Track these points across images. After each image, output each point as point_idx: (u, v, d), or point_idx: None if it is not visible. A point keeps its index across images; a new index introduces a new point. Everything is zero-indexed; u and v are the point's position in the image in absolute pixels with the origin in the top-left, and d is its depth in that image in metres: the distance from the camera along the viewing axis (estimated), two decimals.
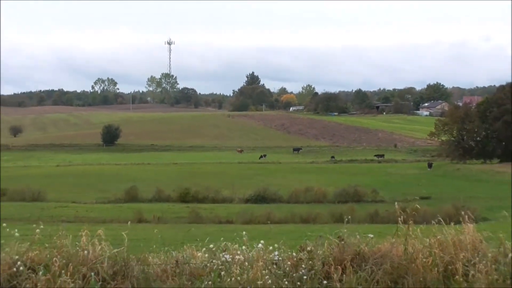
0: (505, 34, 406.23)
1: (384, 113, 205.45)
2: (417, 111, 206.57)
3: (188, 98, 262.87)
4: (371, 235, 7.77)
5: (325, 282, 6.96)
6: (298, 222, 42.65)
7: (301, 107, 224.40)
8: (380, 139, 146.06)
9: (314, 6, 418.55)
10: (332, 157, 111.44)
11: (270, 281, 6.79)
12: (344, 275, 6.94)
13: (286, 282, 6.96)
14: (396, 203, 8.95)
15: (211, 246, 7.71)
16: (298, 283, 6.99)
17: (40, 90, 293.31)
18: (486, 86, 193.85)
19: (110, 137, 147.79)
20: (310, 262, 7.37)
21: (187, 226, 38.37)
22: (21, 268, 6.84)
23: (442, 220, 7.93)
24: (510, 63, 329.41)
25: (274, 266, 7.28)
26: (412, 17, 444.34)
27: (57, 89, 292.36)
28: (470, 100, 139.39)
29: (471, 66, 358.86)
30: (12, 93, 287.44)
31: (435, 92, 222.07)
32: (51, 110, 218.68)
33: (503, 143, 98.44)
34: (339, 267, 7.05)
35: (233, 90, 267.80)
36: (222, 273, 6.92)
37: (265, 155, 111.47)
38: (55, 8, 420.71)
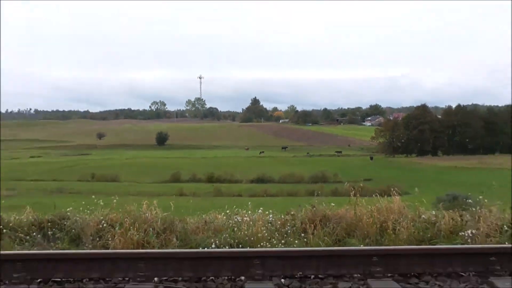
0: (418, 73, 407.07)
1: (342, 124, 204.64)
2: (363, 123, 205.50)
3: (213, 114, 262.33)
4: (333, 204, 7.79)
5: (302, 234, 6.99)
6: (285, 195, 42.73)
7: (287, 120, 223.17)
8: (339, 141, 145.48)
9: (296, 53, 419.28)
10: (308, 153, 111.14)
11: (266, 234, 6.82)
12: (315, 230, 6.96)
13: (277, 235, 6.99)
14: (346, 183, 9.00)
15: (228, 211, 7.74)
16: (285, 235, 7.02)
17: (116, 109, 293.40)
18: (408, 106, 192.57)
19: (161, 140, 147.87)
20: (293, 221, 7.40)
21: (212, 198, 38.46)
22: (104, 225, 6.89)
23: (379, 194, 7.96)
24: (422, 91, 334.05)
25: (269, 224, 7.30)
26: (359, 60, 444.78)
27: (126, 108, 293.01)
28: (398, 116, 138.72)
29: (398, 93, 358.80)
30: (98, 111, 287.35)
31: (375, 110, 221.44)
32: (123, 122, 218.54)
33: (419, 144, 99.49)
34: (312, 225, 7.07)
35: (242, 108, 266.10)
36: (235, 229, 6.95)
37: (263, 152, 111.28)
38: (125, 53, 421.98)
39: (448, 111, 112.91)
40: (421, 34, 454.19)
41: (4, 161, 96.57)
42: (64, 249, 6.37)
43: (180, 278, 5.16)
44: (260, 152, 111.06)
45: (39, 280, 5.07)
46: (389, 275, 5.17)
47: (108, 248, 6.36)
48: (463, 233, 6.73)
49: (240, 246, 6.42)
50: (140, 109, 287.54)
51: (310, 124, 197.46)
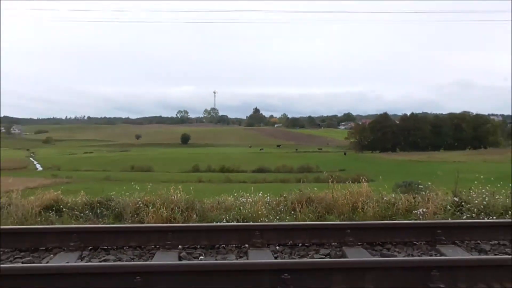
0: (381, 88, 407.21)
1: (322, 127, 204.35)
2: (339, 127, 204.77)
3: (224, 120, 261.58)
4: (316, 189, 7.76)
5: (292, 212, 6.95)
6: (279, 182, 42.62)
7: (280, 125, 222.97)
8: (320, 141, 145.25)
9: (286, 75, 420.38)
10: (296, 149, 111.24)
11: (265, 211, 6.79)
12: (302, 209, 6.93)
13: (273, 212, 6.95)
14: (325, 172, 8.93)
15: (235, 194, 7.71)
16: (279, 212, 6.99)
17: (150, 116, 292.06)
18: (373, 114, 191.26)
19: (185, 139, 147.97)
20: (285, 202, 7.36)
21: (223, 184, 38.43)
22: (140, 205, 6.85)
23: (350, 181, 7.92)
24: (384, 102, 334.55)
25: (267, 204, 7.27)
26: (335, 78, 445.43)
27: (158, 115, 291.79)
28: (365, 121, 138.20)
29: (365, 104, 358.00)
30: (136, 117, 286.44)
31: (348, 117, 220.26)
32: (155, 127, 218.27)
33: (381, 143, 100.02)
34: (299, 204, 7.04)
35: (246, 116, 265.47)
36: (241, 207, 6.92)
37: (262, 149, 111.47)
38: (159, 73, 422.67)
39: (404, 117, 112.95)
40: (383, 59, 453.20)
41: (64, 156, 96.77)
42: (109, 224, 6.34)
43: (198, 246, 5.15)
44: (260, 149, 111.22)
45: (90, 247, 5.06)
46: (359, 243, 5.14)
47: (143, 223, 6.33)
48: (416, 211, 6.70)
49: (245, 221, 6.39)
50: (169, 116, 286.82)
51: (298, 127, 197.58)
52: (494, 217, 6.39)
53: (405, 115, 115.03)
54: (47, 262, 4.62)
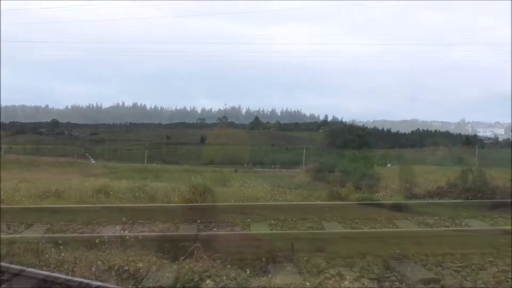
0: (349, 102, 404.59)
1: (305, 131, 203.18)
2: (318, 130, 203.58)
3: (232, 125, 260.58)
4: (301, 177, 7.70)
5: (284, 195, 6.88)
6: (273, 172, 42.39)
7: (274, 129, 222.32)
8: (304, 141, 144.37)
9: (278, 93, 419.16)
10: (286, 147, 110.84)
11: (262, 194, 6.72)
12: (290, 192, 6.86)
13: (269, 194, 6.87)
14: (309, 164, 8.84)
15: (240, 181, 7.65)
16: (273, 195, 6.91)
17: (177, 122, 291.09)
18: (344, 121, 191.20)
19: (202, 140, 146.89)
20: (278, 187, 7.30)
21: (232, 173, 38.17)
22: (169, 189, 6.78)
23: (328, 171, 7.84)
24: (352, 112, 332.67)
25: (264, 188, 7.20)
26: (314, 95, 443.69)
27: (183, 122, 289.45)
28: (337, 127, 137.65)
29: (338, 114, 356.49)
30: (166, 123, 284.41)
31: (325, 123, 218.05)
32: (181, 130, 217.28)
33: (349, 142, 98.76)
34: (289, 189, 6.97)
35: (248, 122, 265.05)
36: (245, 191, 6.86)
37: (260, 147, 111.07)
38: (182, 91, 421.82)
39: (366, 124, 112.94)
40: (350, 80, 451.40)
41: (111, 152, 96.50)
42: (145, 204, 6.30)
43: (213, 220, 5.10)
44: (259, 147, 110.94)
45: (130, 221, 5.02)
46: (334, 219, 5.10)
47: (171, 203, 6.28)
48: (377, 194, 6.66)
49: (248, 201, 6.34)
50: (191, 122, 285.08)
51: (287, 131, 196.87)
52: (436, 199, 6.35)
53: (368, 122, 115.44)
54: (98, 232, 4.57)
